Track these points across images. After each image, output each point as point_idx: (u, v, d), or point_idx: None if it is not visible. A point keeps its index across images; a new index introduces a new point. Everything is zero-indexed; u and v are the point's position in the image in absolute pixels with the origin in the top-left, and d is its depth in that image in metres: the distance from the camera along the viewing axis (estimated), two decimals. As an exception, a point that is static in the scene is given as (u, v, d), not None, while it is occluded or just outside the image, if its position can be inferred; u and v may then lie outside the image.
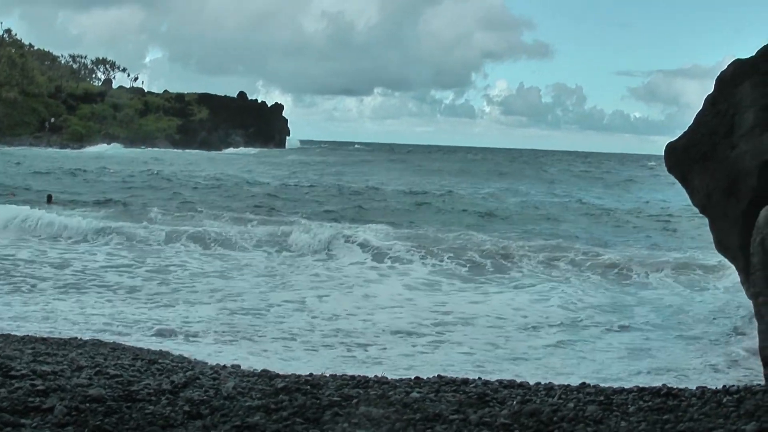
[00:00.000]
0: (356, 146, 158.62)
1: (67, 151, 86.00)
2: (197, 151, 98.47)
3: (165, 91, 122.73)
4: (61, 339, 9.90)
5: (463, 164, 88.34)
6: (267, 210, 33.09)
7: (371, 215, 31.91)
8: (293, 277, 18.43)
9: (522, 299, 16.28)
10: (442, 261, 20.52)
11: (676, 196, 31.70)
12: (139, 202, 34.05)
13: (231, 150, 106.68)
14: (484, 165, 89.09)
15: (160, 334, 12.17)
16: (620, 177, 74.69)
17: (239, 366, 8.99)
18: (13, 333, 10.64)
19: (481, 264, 20.32)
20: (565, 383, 8.34)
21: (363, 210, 34.37)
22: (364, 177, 58.60)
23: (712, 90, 11.89)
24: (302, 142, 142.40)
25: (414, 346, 12.47)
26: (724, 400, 7.15)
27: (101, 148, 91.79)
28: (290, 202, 37.74)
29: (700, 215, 12.09)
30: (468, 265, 20.23)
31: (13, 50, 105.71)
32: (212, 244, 22.41)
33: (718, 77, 11.76)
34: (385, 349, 12.21)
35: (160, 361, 8.74)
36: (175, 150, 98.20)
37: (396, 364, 11.22)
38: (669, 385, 8.11)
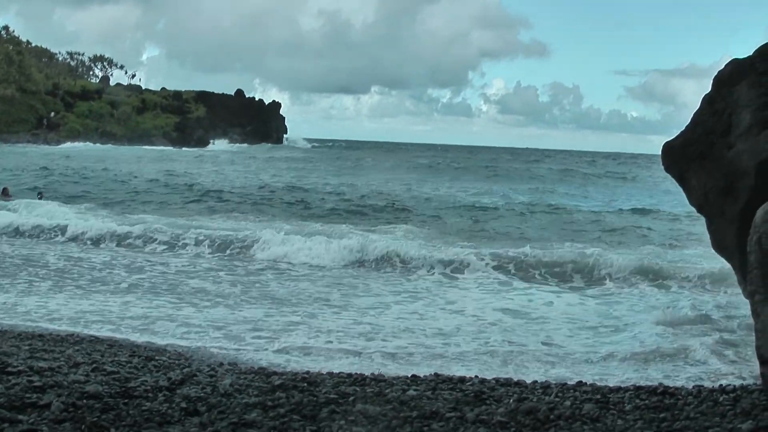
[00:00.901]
0: (343, 144, 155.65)
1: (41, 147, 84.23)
2: (183, 149, 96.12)
3: (162, 88, 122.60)
4: (57, 335, 9.91)
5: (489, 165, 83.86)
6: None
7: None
8: (371, 285, 16.86)
9: (590, 304, 15.35)
10: (491, 264, 18.86)
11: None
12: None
13: (214, 146, 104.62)
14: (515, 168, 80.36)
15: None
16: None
17: (236, 363, 9.00)
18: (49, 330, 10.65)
19: (531, 267, 18.87)
20: (562, 381, 8.36)
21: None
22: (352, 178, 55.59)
23: (710, 89, 11.90)
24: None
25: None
26: (721, 398, 7.17)
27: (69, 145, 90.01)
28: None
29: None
30: (516, 270, 18.68)
31: (11, 47, 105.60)
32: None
33: (716, 77, 11.76)
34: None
35: (157, 357, 8.75)
36: (158, 148, 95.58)
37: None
38: (665, 384, 8.14)
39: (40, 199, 31.51)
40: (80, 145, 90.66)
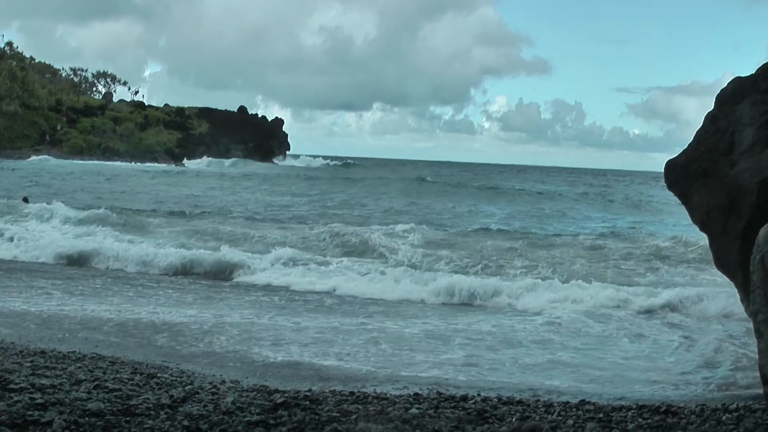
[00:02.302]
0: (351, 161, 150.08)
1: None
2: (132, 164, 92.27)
3: (165, 104, 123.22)
4: (60, 352, 9.89)
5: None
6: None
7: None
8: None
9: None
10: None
11: None
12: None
13: (193, 161, 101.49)
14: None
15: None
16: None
17: (238, 381, 8.98)
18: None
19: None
20: (565, 400, 8.34)
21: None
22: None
23: (712, 107, 11.93)
24: (294, 157, 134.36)
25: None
26: (724, 417, 7.16)
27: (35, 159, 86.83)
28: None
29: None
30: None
31: (14, 63, 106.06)
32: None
33: (718, 95, 11.80)
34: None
35: (159, 375, 8.72)
36: (133, 164, 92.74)
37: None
38: (668, 403, 8.11)
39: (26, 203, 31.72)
40: (47, 159, 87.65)
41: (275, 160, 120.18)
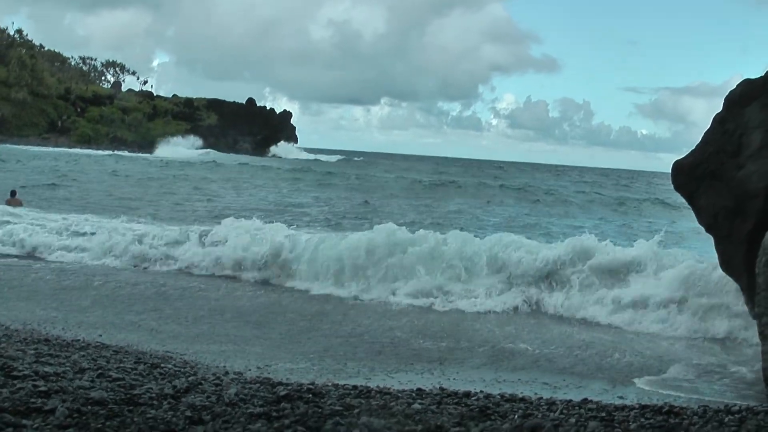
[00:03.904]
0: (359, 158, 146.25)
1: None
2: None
3: (174, 95, 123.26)
4: (63, 340, 9.92)
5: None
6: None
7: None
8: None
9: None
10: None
11: None
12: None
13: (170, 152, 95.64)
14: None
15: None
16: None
17: (241, 373, 9.00)
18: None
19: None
20: (567, 398, 8.34)
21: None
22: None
23: (721, 109, 11.91)
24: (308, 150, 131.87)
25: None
26: (726, 419, 7.14)
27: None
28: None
29: None
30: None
31: (24, 51, 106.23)
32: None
33: (727, 96, 11.78)
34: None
35: (162, 365, 8.75)
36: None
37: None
38: (671, 403, 8.11)
39: (13, 196, 31.02)
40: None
41: (276, 152, 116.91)
